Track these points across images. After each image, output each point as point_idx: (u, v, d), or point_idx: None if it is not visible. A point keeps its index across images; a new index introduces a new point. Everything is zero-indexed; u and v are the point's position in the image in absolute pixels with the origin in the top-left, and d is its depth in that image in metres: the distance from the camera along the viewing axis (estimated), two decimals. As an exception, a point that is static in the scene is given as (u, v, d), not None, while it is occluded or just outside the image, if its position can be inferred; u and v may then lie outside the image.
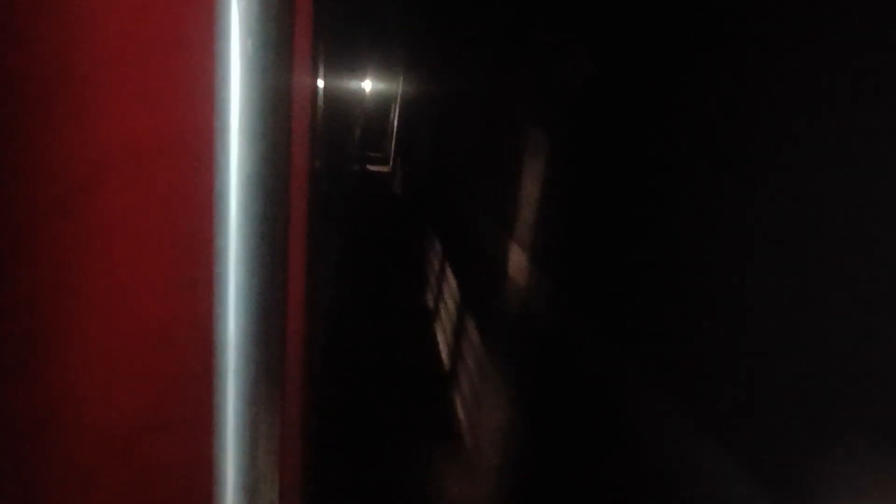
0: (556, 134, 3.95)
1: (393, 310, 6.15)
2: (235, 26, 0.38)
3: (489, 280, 5.16)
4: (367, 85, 12.29)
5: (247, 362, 0.44)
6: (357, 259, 7.40)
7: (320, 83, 1.38)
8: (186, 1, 0.77)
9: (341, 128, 4.57)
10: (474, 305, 5.29)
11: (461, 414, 4.24)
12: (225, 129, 0.40)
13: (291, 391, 0.98)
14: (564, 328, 3.53)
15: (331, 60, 3.03)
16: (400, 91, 15.24)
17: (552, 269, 3.84)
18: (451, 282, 6.16)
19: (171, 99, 0.79)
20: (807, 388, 1.69)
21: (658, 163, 2.61)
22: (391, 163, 16.34)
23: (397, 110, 16.04)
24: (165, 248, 0.84)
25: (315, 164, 1.06)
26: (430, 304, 6.52)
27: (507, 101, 5.27)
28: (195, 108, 0.78)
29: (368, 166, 15.62)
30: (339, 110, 4.09)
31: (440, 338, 5.52)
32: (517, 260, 4.53)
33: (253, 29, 0.39)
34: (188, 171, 0.81)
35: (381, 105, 17.58)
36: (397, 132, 15.72)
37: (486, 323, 4.90)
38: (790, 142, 1.84)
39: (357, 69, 7.16)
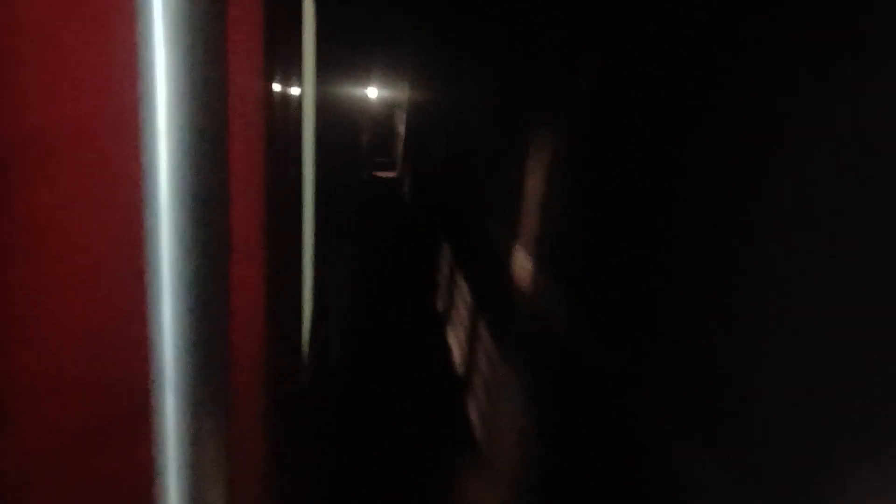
0: (565, 138, 3.95)
1: (402, 315, 6.16)
2: (159, 11, 0.36)
3: (499, 285, 5.15)
4: (374, 90, 12.33)
5: (186, 363, 0.41)
6: (365, 264, 7.41)
7: (295, 87, 1.33)
8: None
9: (348, 133, 4.58)
10: (484, 310, 5.28)
11: (473, 419, 4.22)
12: (151, 113, 0.38)
13: (248, 393, 0.91)
14: (576, 334, 3.52)
15: (337, 66, 3.04)
16: (407, 96, 15.28)
17: (563, 275, 3.83)
18: (461, 287, 6.16)
19: (95, 78, 0.74)
20: (833, 406, 1.67)
21: (670, 168, 2.60)
22: (398, 168, 16.38)
23: (404, 115, 16.09)
24: (99, 240, 0.78)
25: (278, 168, 0.99)
26: (440, 308, 6.51)
27: (514, 106, 5.27)
28: (120, 90, 0.72)
29: (376, 172, 15.67)
30: (346, 116, 4.10)
31: (451, 343, 5.51)
32: (526, 264, 4.52)
33: (178, 15, 0.36)
34: (120, 156, 0.75)
35: (388, 110, 17.64)
36: (405, 137, 15.76)
37: (498, 328, 4.89)
38: (812, 148, 1.83)
39: (363, 75, 7.19)
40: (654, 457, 2.50)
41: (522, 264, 4.55)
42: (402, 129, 16.24)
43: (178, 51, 0.37)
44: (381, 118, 17.13)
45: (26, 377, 0.78)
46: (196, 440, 0.42)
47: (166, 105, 0.37)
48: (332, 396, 3.75)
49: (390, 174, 16.46)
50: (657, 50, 2.75)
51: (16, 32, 0.68)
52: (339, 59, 3.15)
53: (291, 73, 1.19)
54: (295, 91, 1.25)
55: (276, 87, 0.99)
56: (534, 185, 4.42)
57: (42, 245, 0.75)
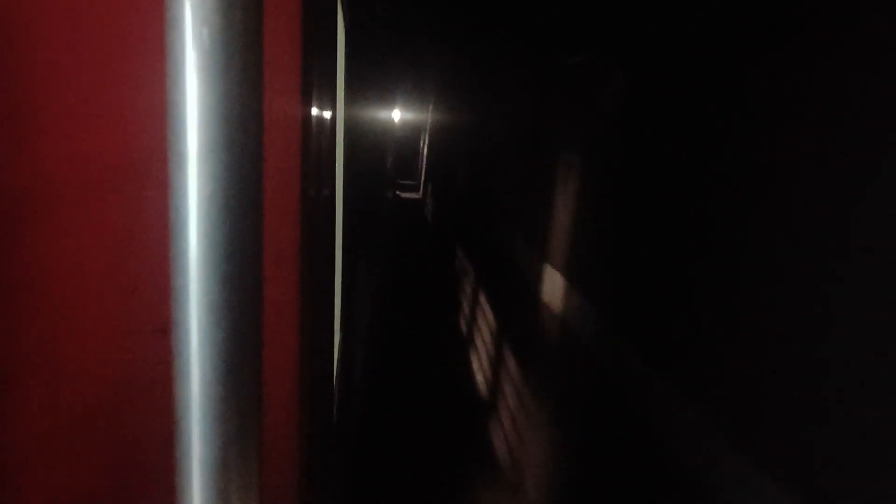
0: (588, 156, 3.94)
1: (426, 333, 6.15)
2: (189, 34, 0.34)
3: (524, 303, 5.12)
4: (399, 113, 12.48)
5: (215, 422, 0.38)
6: (390, 285, 7.44)
7: (329, 109, 1.33)
8: (135, 11, 0.68)
9: (373, 156, 4.63)
10: (510, 327, 5.25)
11: (498, 435, 4.18)
12: (182, 153, 0.35)
13: (278, 441, 0.84)
14: (603, 352, 3.47)
15: (364, 89, 3.10)
16: (430, 118, 15.43)
17: (589, 292, 3.80)
18: (485, 306, 6.14)
19: (120, 119, 0.70)
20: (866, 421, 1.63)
21: (695, 182, 2.57)
22: (421, 189, 16.49)
23: (427, 137, 16.24)
24: (123, 288, 0.72)
25: (312, 189, 0.96)
26: (465, 326, 6.49)
27: (537, 126, 5.29)
28: (149, 130, 0.69)
29: (400, 193, 15.79)
30: (369, 138, 4.15)
31: (475, 360, 5.49)
32: (552, 283, 4.49)
33: (210, 39, 0.34)
34: (147, 199, 0.71)
35: (412, 132, 17.82)
36: (427, 159, 15.89)
37: (522, 346, 4.85)
38: (842, 159, 1.80)
39: (388, 98, 7.29)
40: (686, 475, 2.45)
41: (551, 281, 4.52)
42: (425, 150, 16.38)
43: (210, 76, 0.34)
44: (406, 140, 17.30)
45: (34, 440, 0.72)
46: (224, 468, 0.39)
47: (197, 130, 0.35)
48: (358, 410, 3.75)
49: (414, 195, 16.58)
50: (681, 69, 2.75)
51: (37, 73, 0.66)
52: (366, 81, 3.20)
53: (324, 95, 1.21)
54: (328, 109, 1.27)
55: (312, 108, 0.99)
56: (560, 201, 4.41)
57: (57, 292, 0.70)
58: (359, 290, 3.35)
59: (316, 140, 1.03)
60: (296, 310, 0.84)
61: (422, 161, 16.92)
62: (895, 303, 1.53)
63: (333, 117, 1.43)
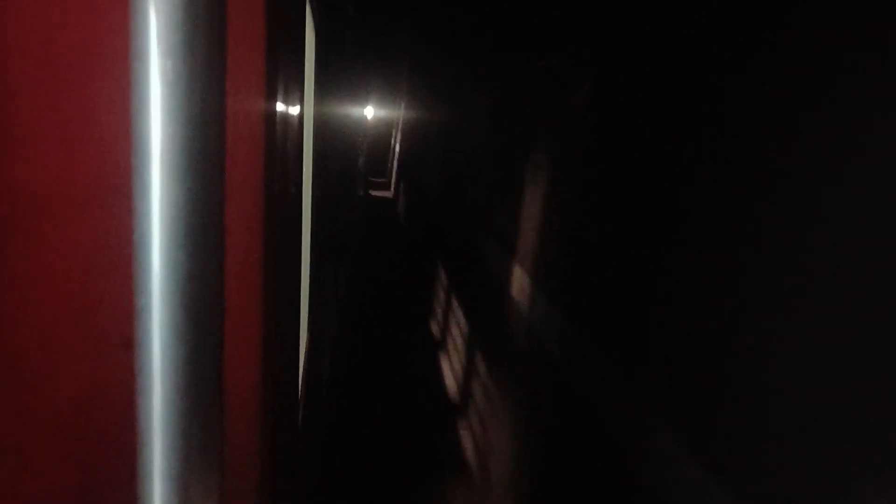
0: (559, 157, 3.97)
1: (396, 334, 6.13)
2: (153, 48, 0.34)
3: (493, 304, 5.14)
4: (370, 110, 12.42)
5: (178, 437, 0.38)
6: (360, 282, 7.39)
7: (295, 107, 1.32)
8: (99, 22, 0.68)
9: (344, 153, 4.60)
10: (479, 328, 5.26)
11: (467, 437, 4.19)
12: (145, 166, 0.35)
13: (242, 446, 0.85)
14: (571, 354, 3.50)
15: (334, 86, 3.07)
16: (402, 116, 15.40)
17: (557, 294, 3.83)
18: (455, 306, 6.15)
19: (87, 137, 0.70)
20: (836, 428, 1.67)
21: (665, 185, 2.61)
22: (393, 188, 16.45)
23: (399, 135, 16.20)
24: (89, 304, 0.73)
25: (278, 192, 0.97)
26: (435, 327, 6.49)
27: (509, 126, 5.31)
28: (113, 144, 0.70)
29: (371, 192, 15.72)
30: (340, 136, 4.12)
31: (445, 362, 5.49)
32: (521, 284, 4.52)
33: (173, 50, 0.34)
34: (111, 217, 0.71)
35: (383, 130, 17.76)
36: (399, 158, 15.85)
37: (493, 346, 4.87)
38: (807, 159, 1.85)
39: (359, 98, 7.25)
40: (652, 476, 2.48)
41: (519, 282, 4.55)
42: (397, 148, 16.34)
43: (174, 85, 0.35)
44: (377, 138, 17.24)
45: (4, 441, 0.73)
46: (186, 474, 0.39)
47: (161, 138, 0.35)
48: (325, 415, 3.72)
49: (386, 194, 16.52)
50: (651, 68, 2.78)
51: (3, 90, 0.66)
52: (336, 78, 3.17)
53: (291, 93, 1.19)
54: (294, 111, 1.25)
55: (278, 107, 0.98)
56: (530, 203, 4.44)
57: (22, 305, 0.71)
58: (327, 290, 3.31)
59: (281, 140, 1.02)
60: (259, 315, 0.84)
61: (393, 160, 16.87)
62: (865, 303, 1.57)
63: (301, 117, 1.41)
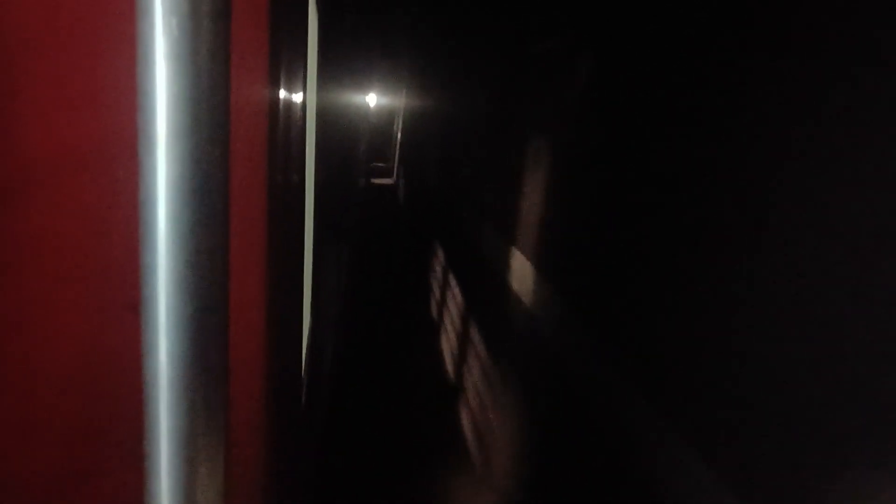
0: (559, 143, 3.97)
1: (396, 319, 6.16)
2: (160, 25, 0.35)
3: (492, 290, 5.16)
4: (371, 97, 12.37)
5: (182, 398, 0.38)
6: (362, 270, 7.42)
7: (299, 93, 1.32)
8: (108, 3, 0.69)
9: (345, 142, 4.60)
10: (478, 313, 5.29)
11: (465, 422, 4.23)
12: (151, 138, 0.36)
13: (246, 422, 0.86)
14: (570, 340, 3.53)
15: (336, 73, 3.07)
16: (403, 102, 15.34)
17: (557, 279, 3.85)
18: (455, 292, 6.17)
19: (92, 103, 0.70)
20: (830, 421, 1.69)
21: (664, 170, 2.62)
22: (394, 174, 16.43)
23: (400, 121, 16.15)
24: (96, 268, 0.73)
25: (282, 176, 0.97)
26: (434, 312, 6.52)
27: (509, 110, 5.30)
28: (120, 115, 0.70)
29: (372, 178, 15.70)
30: (342, 123, 4.12)
31: (445, 346, 5.52)
32: (521, 269, 4.54)
33: (180, 28, 0.35)
34: (117, 182, 0.72)
35: (385, 116, 17.70)
36: (400, 143, 15.81)
37: (491, 333, 4.90)
38: (801, 150, 1.85)
39: (361, 84, 7.23)
40: (646, 459, 2.51)
41: (519, 268, 4.57)
42: (398, 135, 16.29)
43: (179, 63, 0.35)
44: (379, 125, 17.18)
45: (9, 414, 0.73)
46: (190, 481, 0.40)
47: (166, 115, 0.36)
48: (326, 399, 3.75)
49: (387, 180, 16.50)
50: (649, 54, 2.78)
51: (9, 59, 0.67)
52: (338, 65, 3.17)
53: (294, 79, 1.20)
54: (297, 98, 1.26)
55: (280, 93, 0.99)
56: (530, 189, 4.44)
57: (29, 271, 0.71)
58: (329, 276, 3.34)
59: (284, 125, 1.03)
60: (263, 296, 0.85)
61: (395, 146, 16.83)
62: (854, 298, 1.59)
63: (304, 103, 1.42)
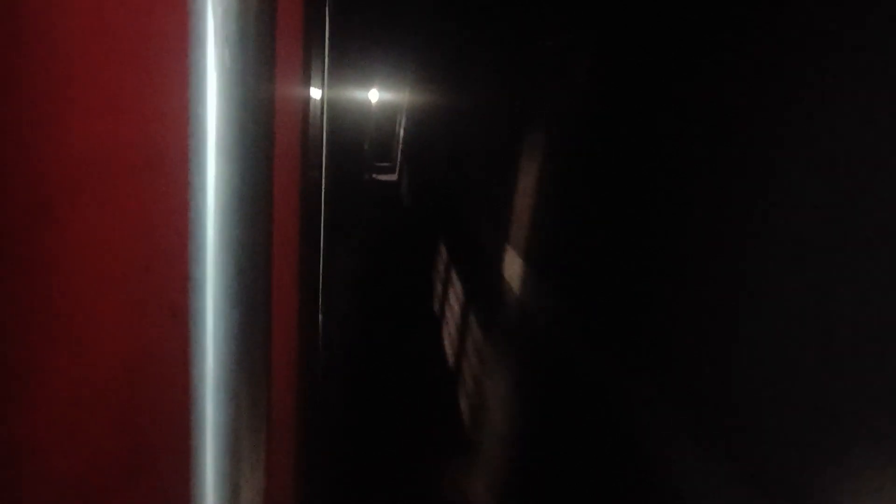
0: (559, 142, 3.99)
1: (399, 314, 6.19)
2: (211, 34, 0.35)
3: (490, 284, 5.19)
4: (375, 95, 12.36)
5: (229, 399, 0.39)
6: (365, 267, 7.44)
7: (317, 92, 1.35)
8: (160, 10, 0.70)
9: (350, 138, 4.61)
10: (477, 308, 5.32)
11: (466, 416, 4.26)
12: (201, 145, 0.37)
13: (282, 426, 0.87)
14: (565, 331, 3.56)
15: (340, 72, 3.09)
16: (406, 101, 15.32)
17: (554, 276, 3.87)
18: (457, 287, 6.20)
19: (145, 111, 0.72)
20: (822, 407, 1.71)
21: (659, 169, 2.64)
22: (397, 171, 16.41)
23: (403, 120, 16.13)
24: (140, 273, 0.75)
25: (307, 175, 0.97)
26: (436, 307, 6.55)
27: (510, 110, 5.32)
28: (170, 122, 0.72)
29: (376, 175, 15.68)
30: (348, 121, 4.14)
31: (446, 340, 5.55)
32: (518, 266, 4.56)
33: (230, 37, 0.36)
34: (165, 189, 0.73)
35: (388, 115, 17.66)
36: (403, 141, 15.79)
37: (489, 326, 4.93)
38: (798, 149, 1.88)
39: (366, 80, 7.24)
40: (643, 452, 2.54)
41: (513, 264, 4.59)
42: (401, 133, 16.27)
43: (228, 73, 0.36)
44: (382, 122, 17.14)
45: (60, 414, 0.73)
46: (235, 481, 0.41)
47: (215, 139, 0.37)
48: (337, 394, 3.79)
49: (391, 177, 16.48)
50: (652, 53, 2.80)
51: (64, 68, 0.67)
52: (347, 66, 3.20)
53: (316, 84, 1.23)
54: (317, 101, 1.29)
55: (308, 95, 1.02)
56: (525, 187, 4.46)
57: (78, 277, 0.72)
58: (337, 272, 3.36)
59: (311, 129, 1.05)
60: (296, 295, 0.87)
61: (398, 143, 16.81)
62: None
63: (321, 104, 1.45)
